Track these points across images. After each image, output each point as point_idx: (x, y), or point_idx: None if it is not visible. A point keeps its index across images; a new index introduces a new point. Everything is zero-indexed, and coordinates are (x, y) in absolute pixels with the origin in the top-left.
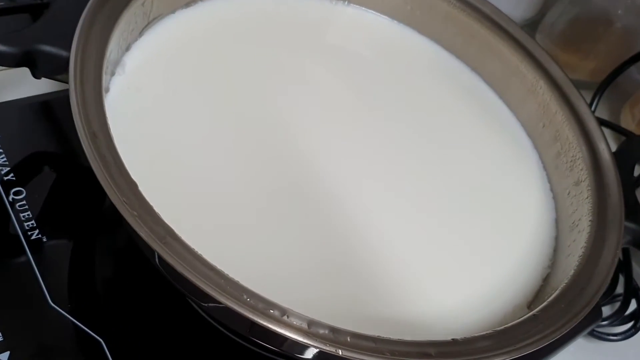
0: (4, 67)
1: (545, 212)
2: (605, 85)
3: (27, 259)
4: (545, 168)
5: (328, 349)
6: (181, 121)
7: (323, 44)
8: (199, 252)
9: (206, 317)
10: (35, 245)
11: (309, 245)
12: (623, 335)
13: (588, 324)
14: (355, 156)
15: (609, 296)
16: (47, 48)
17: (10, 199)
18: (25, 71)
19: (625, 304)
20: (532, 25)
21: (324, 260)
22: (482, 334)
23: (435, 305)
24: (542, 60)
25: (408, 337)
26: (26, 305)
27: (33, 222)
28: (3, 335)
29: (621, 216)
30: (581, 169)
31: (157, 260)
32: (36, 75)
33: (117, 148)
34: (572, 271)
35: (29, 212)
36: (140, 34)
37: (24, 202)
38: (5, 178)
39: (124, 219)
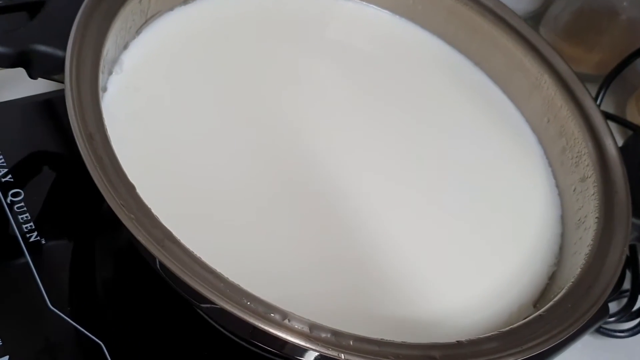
0: None
1: (551, 209)
2: (610, 79)
3: (25, 262)
4: (550, 164)
5: (330, 353)
6: (181, 120)
7: (324, 39)
8: (201, 252)
9: (208, 319)
10: (34, 248)
11: (313, 241)
12: (630, 332)
13: (595, 321)
14: (359, 151)
15: (616, 292)
16: (43, 48)
17: (9, 201)
18: (22, 70)
19: (632, 300)
20: (535, 18)
21: (327, 256)
22: (487, 335)
23: (439, 304)
24: (546, 54)
25: (411, 337)
26: (25, 308)
27: (31, 224)
28: (2, 340)
29: (628, 213)
30: (587, 165)
31: (157, 264)
32: (32, 75)
33: (115, 149)
34: (579, 270)
35: (27, 214)
36: (138, 32)
37: (22, 203)
38: (3, 180)
39: (122, 223)
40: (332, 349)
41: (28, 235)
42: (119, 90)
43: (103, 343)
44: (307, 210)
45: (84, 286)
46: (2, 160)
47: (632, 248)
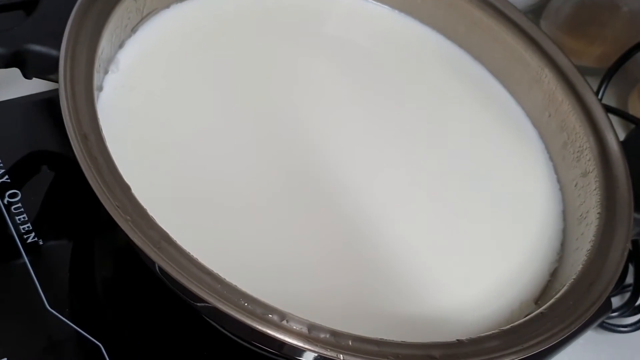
0: None
1: (552, 204)
2: (612, 72)
3: (23, 263)
4: (551, 159)
5: (329, 354)
6: (178, 118)
7: (323, 35)
8: (201, 251)
9: (207, 319)
10: (31, 249)
11: (316, 237)
12: (633, 327)
13: (598, 316)
14: (360, 147)
15: (618, 287)
16: (37, 48)
17: (6, 202)
18: (18, 70)
19: (635, 295)
20: (536, 12)
21: (330, 252)
22: (488, 334)
23: (442, 301)
24: (547, 48)
25: (414, 334)
26: (23, 310)
27: (29, 225)
28: (0, 342)
29: (630, 208)
30: (588, 160)
31: (155, 266)
32: (27, 75)
33: (110, 149)
34: (580, 266)
35: (24, 215)
36: (134, 30)
37: (20, 204)
38: (0, 181)
39: (117, 224)
40: (331, 350)
41: (25, 237)
42: (115, 90)
43: (102, 344)
44: (309, 208)
45: (82, 287)
46: None
47: (635, 243)
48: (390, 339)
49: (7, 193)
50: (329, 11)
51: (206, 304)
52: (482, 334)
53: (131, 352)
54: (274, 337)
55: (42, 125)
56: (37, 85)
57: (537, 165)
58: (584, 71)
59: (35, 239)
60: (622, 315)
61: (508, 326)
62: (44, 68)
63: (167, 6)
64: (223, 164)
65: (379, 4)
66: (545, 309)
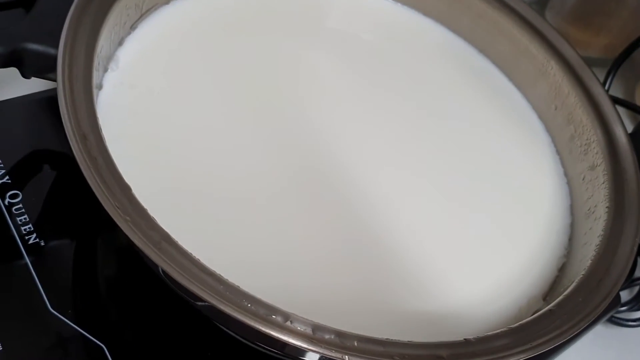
0: None
1: (560, 198)
2: (619, 62)
3: (25, 264)
4: (558, 152)
5: (334, 355)
6: (180, 116)
7: (326, 29)
8: (204, 249)
9: (211, 319)
10: (33, 250)
11: (323, 233)
12: None
13: (607, 311)
14: (368, 141)
15: (627, 281)
16: (34, 46)
17: (7, 203)
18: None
19: None
20: (541, 3)
21: (338, 248)
22: (495, 332)
23: (451, 297)
24: (552, 39)
25: (423, 332)
26: (25, 312)
27: (30, 225)
28: (2, 345)
29: (639, 201)
30: (596, 153)
31: (159, 268)
32: (25, 74)
33: (111, 147)
34: (589, 261)
35: (25, 216)
36: (133, 27)
37: (21, 205)
38: (1, 181)
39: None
40: (336, 351)
41: (27, 238)
42: (114, 88)
43: (105, 345)
44: (313, 203)
45: (85, 287)
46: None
47: None
48: (397, 338)
49: (8, 194)
50: (330, 5)
51: (208, 305)
52: (489, 333)
53: (134, 352)
54: (278, 339)
55: (43, 124)
56: (38, 84)
57: (543, 159)
58: (590, 62)
59: (37, 239)
60: (631, 310)
61: (516, 324)
62: (42, 67)
63: (167, 2)
64: (225, 160)
65: None
66: (553, 306)
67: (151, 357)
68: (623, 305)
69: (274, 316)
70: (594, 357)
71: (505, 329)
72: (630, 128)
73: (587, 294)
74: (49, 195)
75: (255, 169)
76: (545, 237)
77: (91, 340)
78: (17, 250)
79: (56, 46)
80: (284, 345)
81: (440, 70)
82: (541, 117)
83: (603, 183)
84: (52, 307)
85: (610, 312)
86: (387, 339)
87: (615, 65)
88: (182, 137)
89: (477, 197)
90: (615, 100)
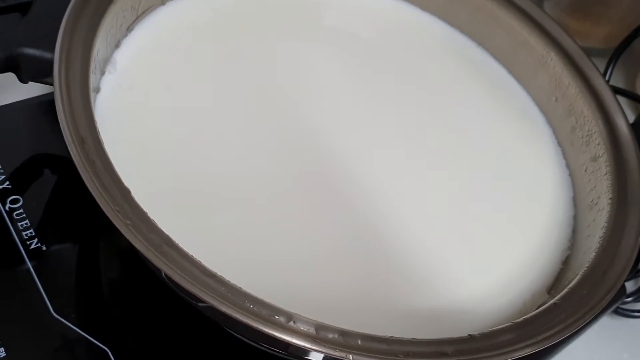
0: None
1: (562, 190)
2: (619, 52)
3: (27, 270)
4: (560, 144)
5: (338, 354)
6: (179, 117)
7: (324, 27)
8: (205, 248)
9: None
10: (35, 255)
11: (326, 230)
12: None
13: (612, 302)
14: (369, 139)
15: (632, 271)
16: (31, 51)
17: (7, 208)
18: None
19: None
20: None
21: (342, 244)
22: (500, 327)
23: (453, 293)
24: (551, 30)
25: (425, 328)
26: (28, 317)
27: (32, 230)
28: (5, 350)
29: None
30: (598, 144)
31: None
32: (22, 79)
33: (110, 150)
34: (593, 254)
35: (27, 221)
36: (130, 29)
37: (22, 210)
38: (1, 187)
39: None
40: (340, 350)
41: (28, 243)
42: (112, 90)
43: (109, 349)
44: (316, 202)
45: (88, 291)
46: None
47: None
48: (401, 336)
49: (9, 199)
50: (328, 3)
51: (210, 306)
52: (494, 328)
53: (138, 355)
54: (281, 339)
55: (43, 128)
56: (37, 88)
57: (545, 151)
58: (590, 53)
59: (39, 244)
60: (636, 300)
61: (521, 319)
62: (39, 72)
63: (163, 3)
64: (225, 160)
65: None
66: (558, 300)
67: None
68: (629, 296)
69: (276, 317)
70: (600, 348)
71: (509, 323)
72: (631, 118)
73: (591, 286)
74: (50, 199)
75: (255, 168)
76: (549, 229)
77: (95, 344)
78: (19, 256)
79: (52, 50)
80: (288, 345)
81: (440, 65)
82: (542, 109)
83: (605, 174)
84: (55, 311)
85: (615, 304)
86: (390, 336)
87: (615, 55)
88: (182, 138)
89: (479, 190)
90: (616, 91)
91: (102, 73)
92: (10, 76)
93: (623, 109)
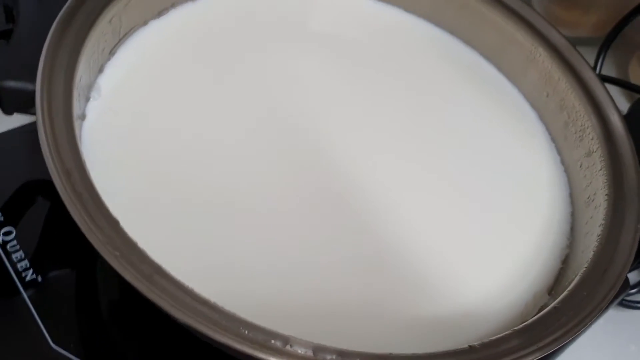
0: None
1: (559, 187)
2: (610, 40)
3: (23, 301)
4: (553, 140)
5: None
6: (167, 137)
7: (310, 33)
8: (205, 263)
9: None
10: (31, 286)
11: (326, 239)
12: None
13: (616, 295)
14: (363, 143)
15: (635, 262)
16: (11, 84)
17: (0, 241)
18: None
19: None
20: None
21: (345, 253)
22: (499, 336)
23: (455, 298)
24: (538, 26)
25: (429, 335)
26: (26, 349)
27: (26, 262)
28: None
29: (639, 187)
30: (592, 139)
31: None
32: (6, 111)
33: (99, 177)
34: (592, 253)
35: (21, 252)
36: (112, 52)
37: (15, 242)
38: None
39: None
40: None
41: (24, 274)
42: (98, 116)
43: None
44: (316, 211)
45: (87, 316)
46: None
47: None
48: (407, 345)
49: (2, 231)
50: (311, 11)
51: (207, 336)
52: (493, 337)
53: None
54: None
55: (33, 155)
56: (25, 117)
57: (539, 148)
58: (580, 42)
59: (34, 275)
60: None
61: (521, 325)
62: (23, 103)
63: (145, 23)
64: (220, 177)
65: None
66: (558, 303)
67: None
68: (632, 288)
69: (273, 341)
70: (607, 342)
71: (509, 331)
72: (625, 106)
73: (591, 287)
74: (44, 226)
75: (252, 183)
76: (547, 228)
77: None
78: (15, 288)
79: (34, 81)
80: None
81: (429, 65)
82: (533, 105)
83: (600, 170)
84: (53, 342)
85: (620, 297)
86: (390, 353)
87: (606, 44)
88: (173, 158)
89: (477, 191)
90: (609, 80)
91: (87, 99)
92: None
93: (616, 99)
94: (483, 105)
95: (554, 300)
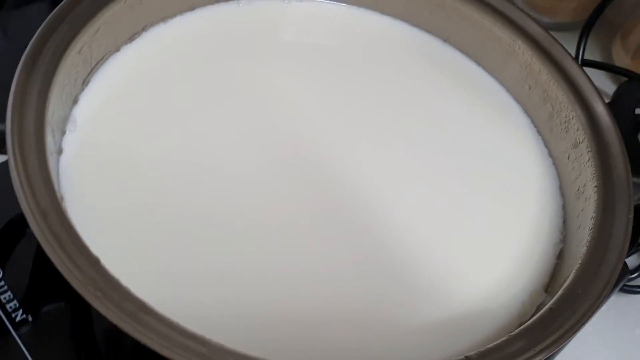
0: None
1: (548, 180)
2: (591, 23)
3: (14, 342)
4: (539, 132)
5: None
6: (147, 164)
7: (286, 45)
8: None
9: None
10: (21, 327)
11: (329, 246)
12: None
13: (616, 283)
14: (352, 148)
15: (633, 246)
16: None
17: None
18: None
19: None
20: None
21: (346, 260)
22: (495, 344)
23: (453, 301)
24: (515, 18)
25: (431, 341)
26: None
27: (15, 302)
28: None
29: (628, 176)
30: (577, 130)
31: None
32: None
33: (79, 212)
34: (585, 248)
35: (9, 293)
36: (85, 82)
37: (3, 282)
38: None
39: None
40: None
41: (13, 315)
42: (76, 149)
43: None
44: (313, 222)
45: (84, 352)
46: None
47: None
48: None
49: None
50: (286, 21)
51: None
52: (490, 345)
53: None
54: None
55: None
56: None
57: (525, 141)
58: (561, 27)
59: (24, 315)
60: None
61: (517, 330)
62: None
63: (117, 50)
64: (209, 203)
65: (335, 2)
66: (553, 304)
67: None
68: (632, 273)
69: None
70: (611, 328)
71: (505, 337)
72: (612, 89)
73: (586, 284)
74: (35, 258)
75: (237, 206)
76: (540, 223)
77: None
78: (5, 329)
79: (4, 120)
80: None
81: (409, 66)
82: (517, 98)
83: (588, 161)
84: None
85: (620, 284)
86: None
87: (587, 27)
88: (157, 187)
89: (465, 189)
90: (593, 64)
91: (63, 133)
92: None
93: (602, 82)
94: (466, 102)
95: (550, 298)
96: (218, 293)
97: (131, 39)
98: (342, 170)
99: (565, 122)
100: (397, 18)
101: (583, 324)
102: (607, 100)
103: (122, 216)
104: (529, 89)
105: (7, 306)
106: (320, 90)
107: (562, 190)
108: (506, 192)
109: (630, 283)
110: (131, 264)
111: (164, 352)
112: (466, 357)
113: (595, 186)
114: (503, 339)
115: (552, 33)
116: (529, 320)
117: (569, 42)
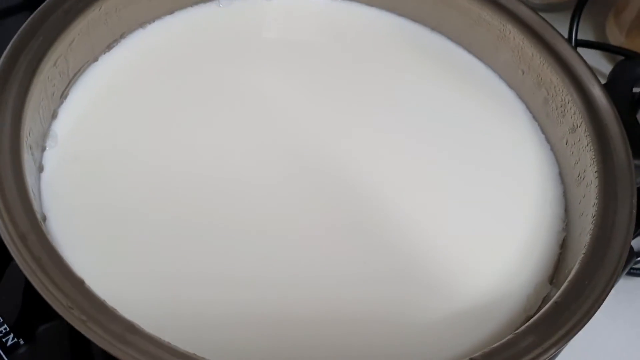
0: None
1: (547, 166)
2: (583, 2)
3: None
4: (535, 118)
5: None
6: (133, 177)
7: (271, 43)
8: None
9: None
10: (13, 351)
11: (334, 250)
12: None
13: (623, 268)
14: (349, 145)
15: (637, 230)
16: None
17: None
18: None
19: None
20: None
21: (351, 262)
22: (501, 343)
23: (464, 292)
24: (504, 2)
25: (438, 340)
26: None
27: (6, 326)
28: None
29: (629, 159)
30: (574, 113)
31: None
32: None
33: (64, 231)
34: (589, 237)
35: None
36: (64, 95)
37: None
38: None
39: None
40: None
41: (4, 340)
42: (57, 165)
43: None
44: (315, 231)
45: None
46: None
47: None
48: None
49: None
50: (268, 20)
51: None
52: (494, 345)
53: None
54: None
55: None
56: None
57: (522, 127)
58: (553, 8)
59: (15, 340)
60: None
61: (522, 327)
62: None
63: (95, 59)
64: (198, 214)
65: None
66: (559, 297)
67: None
68: (639, 255)
69: None
70: (621, 313)
71: (511, 336)
72: (608, 68)
73: (591, 274)
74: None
75: (223, 219)
76: (540, 210)
77: None
78: None
79: None
80: None
81: (398, 58)
82: (510, 84)
83: (587, 145)
84: None
85: (627, 267)
86: None
87: (579, 6)
88: (140, 198)
89: (465, 180)
90: (587, 44)
91: (43, 149)
92: None
93: (598, 62)
94: (459, 91)
95: (556, 290)
96: (214, 301)
97: (109, 47)
98: (338, 166)
99: (561, 107)
100: (384, 9)
101: (590, 316)
102: (603, 81)
103: (109, 231)
104: (523, 74)
105: None
106: (308, 88)
107: (562, 177)
108: (506, 180)
109: (638, 266)
110: (119, 280)
111: None
112: (470, 358)
113: (595, 171)
114: (509, 336)
115: (543, 14)
116: (535, 314)
117: (561, 23)
